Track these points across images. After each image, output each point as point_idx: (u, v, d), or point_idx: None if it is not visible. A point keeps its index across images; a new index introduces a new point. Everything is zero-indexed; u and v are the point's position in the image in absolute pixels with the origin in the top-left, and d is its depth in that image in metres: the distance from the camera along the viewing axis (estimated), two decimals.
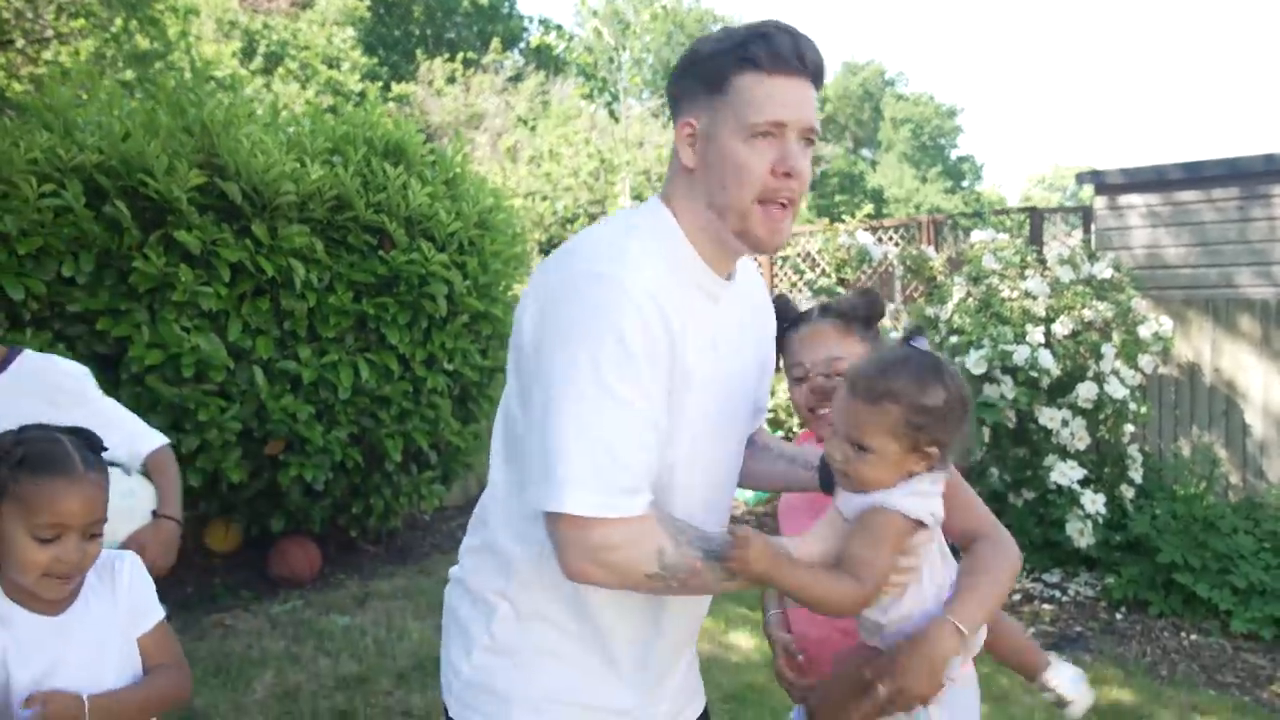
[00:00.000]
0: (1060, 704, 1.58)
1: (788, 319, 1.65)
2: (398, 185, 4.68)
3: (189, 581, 4.93)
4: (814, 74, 1.33)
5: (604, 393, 1.19)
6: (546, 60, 23.81)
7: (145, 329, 3.99)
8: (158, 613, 1.71)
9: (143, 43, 10.66)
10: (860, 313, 1.62)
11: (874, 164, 47.78)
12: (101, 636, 1.60)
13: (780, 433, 6.50)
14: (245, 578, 5.01)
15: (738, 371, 1.43)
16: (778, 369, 1.62)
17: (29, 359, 2.19)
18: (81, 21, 10.37)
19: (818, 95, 1.34)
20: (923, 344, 1.35)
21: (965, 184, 48.18)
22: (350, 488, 4.96)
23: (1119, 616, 4.78)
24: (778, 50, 1.28)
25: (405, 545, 5.73)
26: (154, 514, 2.23)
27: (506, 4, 29.82)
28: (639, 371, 1.20)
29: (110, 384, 4.03)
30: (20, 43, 10.46)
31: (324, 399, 4.56)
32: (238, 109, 4.38)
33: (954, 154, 51.17)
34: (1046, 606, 4.92)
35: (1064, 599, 5.01)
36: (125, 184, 3.98)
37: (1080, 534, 4.82)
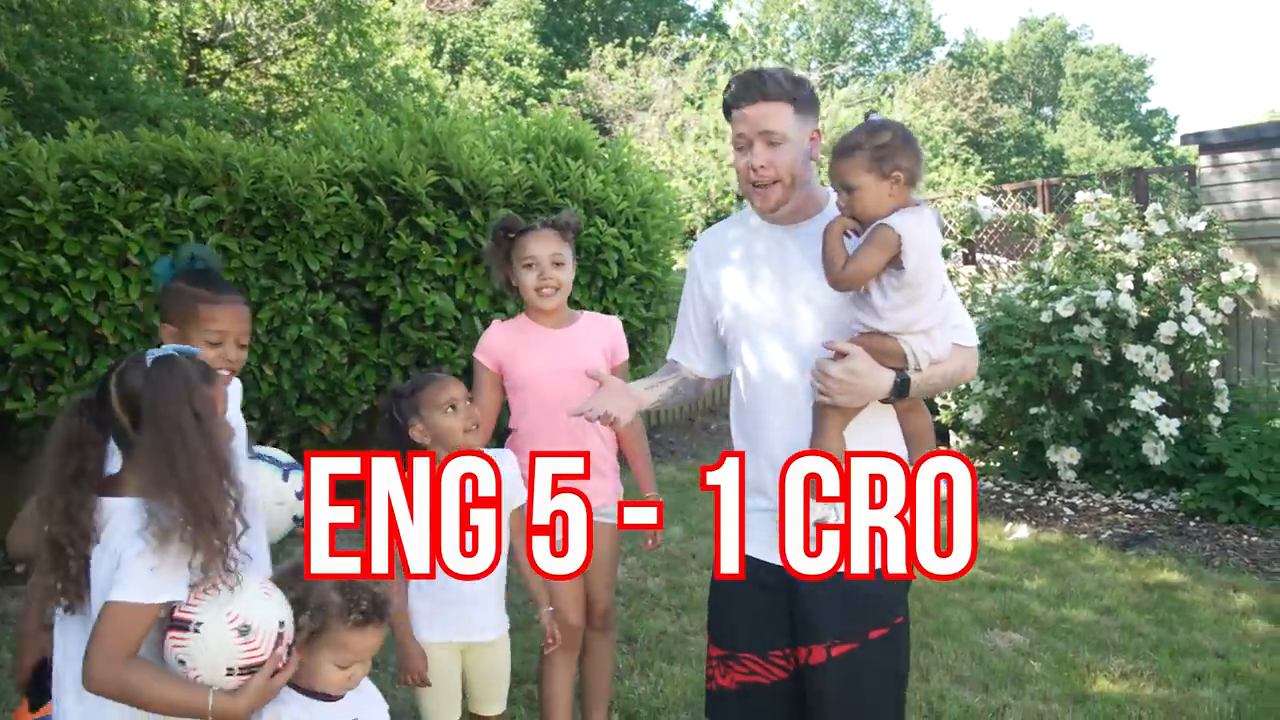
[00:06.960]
0: None
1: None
2: (577, 175, 5.93)
3: None
4: (763, 94, 1.96)
5: None
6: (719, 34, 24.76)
7: (398, 290, 5.41)
8: None
9: (352, 54, 12.40)
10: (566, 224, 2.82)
11: (1054, 123, 46.05)
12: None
13: None
14: None
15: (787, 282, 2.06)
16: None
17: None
18: (304, 39, 12.21)
19: (785, 100, 1.94)
20: (876, 118, 1.89)
21: (1157, 139, 45.68)
22: None
23: (1192, 524, 5.51)
24: (726, 101, 2.04)
25: None
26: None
27: None
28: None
29: (374, 331, 5.50)
30: (256, 59, 12.45)
31: None
32: (459, 123, 5.74)
33: (1145, 108, 48.53)
34: (1129, 515, 5.69)
35: (1146, 511, 5.76)
36: (381, 184, 5.40)
37: (1155, 453, 5.57)
